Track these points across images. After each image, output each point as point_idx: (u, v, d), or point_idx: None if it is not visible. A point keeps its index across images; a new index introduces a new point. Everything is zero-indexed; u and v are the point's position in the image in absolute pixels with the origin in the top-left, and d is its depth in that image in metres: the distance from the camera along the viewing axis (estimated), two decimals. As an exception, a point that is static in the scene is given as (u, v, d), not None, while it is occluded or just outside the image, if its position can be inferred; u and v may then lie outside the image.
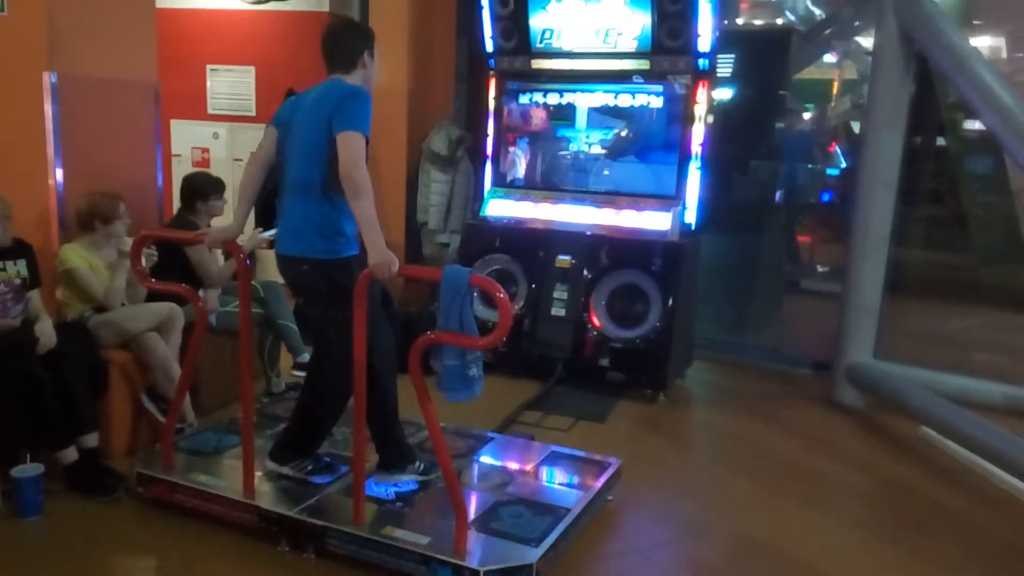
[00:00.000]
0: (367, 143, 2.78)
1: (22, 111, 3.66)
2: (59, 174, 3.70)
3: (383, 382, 3.00)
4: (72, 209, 3.68)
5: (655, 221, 4.72)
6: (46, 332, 3.23)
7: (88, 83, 3.78)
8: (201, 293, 3.80)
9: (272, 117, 3.10)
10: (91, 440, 3.26)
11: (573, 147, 5.14)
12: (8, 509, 3.03)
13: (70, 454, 3.17)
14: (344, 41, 3.01)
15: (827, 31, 8.78)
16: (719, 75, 4.96)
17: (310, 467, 3.10)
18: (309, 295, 3.11)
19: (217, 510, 2.99)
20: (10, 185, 3.42)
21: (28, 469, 3.02)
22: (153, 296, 3.71)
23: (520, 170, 5.30)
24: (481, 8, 5.04)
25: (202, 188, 4.07)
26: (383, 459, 3.13)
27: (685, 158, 4.70)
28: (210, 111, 6.35)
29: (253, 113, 6.19)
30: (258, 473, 3.07)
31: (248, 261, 3.17)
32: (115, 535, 2.98)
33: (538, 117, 5.23)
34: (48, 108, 3.64)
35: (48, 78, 3.61)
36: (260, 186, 3.06)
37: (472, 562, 2.58)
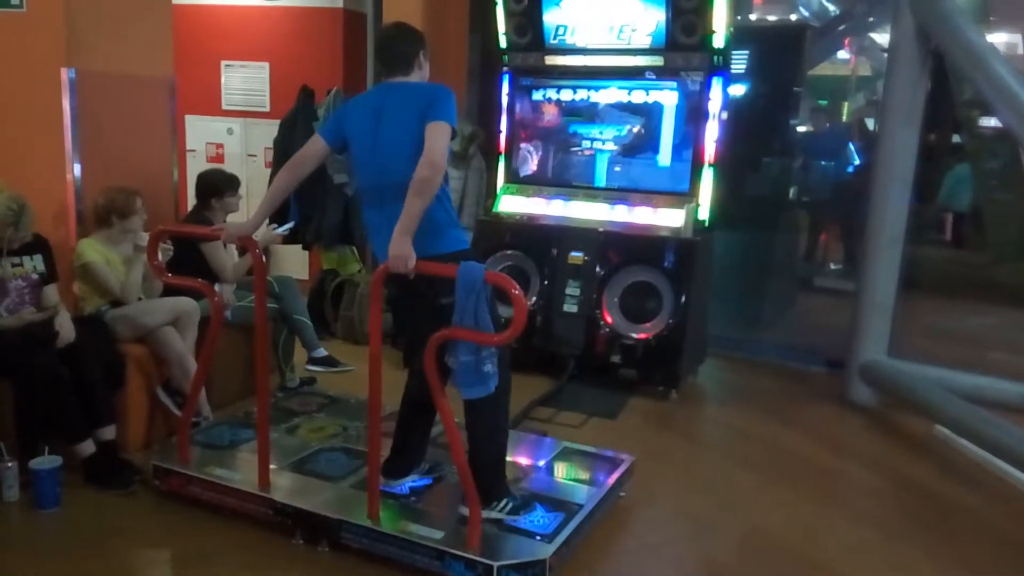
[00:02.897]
0: (453, 135, 2.76)
1: (40, 107, 3.69)
2: (76, 169, 3.74)
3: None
4: (89, 204, 3.71)
5: (668, 218, 4.71)
6: (65, 326, 3.26)
7: (105, 79, 3.82)
8: (216, 288, 3.83)
9: (322, 127, 3.04)
10: (108, 433, 3.29)
11: (586, 143, 5.13)
12: (27, 500, 3.07)
13: (87, 447, 3.21)
14: (401, 43, 2.97)
15: (841, 27, 8.74)
16: (733, 71, 4.93)
17: (509, 506, 2.88)
18: (443, 294, 2.74)
19: (232, 503, 3.02)
20: (28, 180, 3.45)
21: (46, 461, 3.05)
22: (169, 291, 3.74)
23: (532, 166, 5.30)
24: (495, 4, 5.03)
25: (217, 185, 4.10)
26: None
27: (699, 155, 4.69)
28: (224, 107, 6.38)
29: (267, 109, 6.22)
30: (273, 466, 3.10)
31: (263, 257, 3.19)
32: (131, 527, 3.01)
33: (551, 113, 5.22)
34: (66, 104, 3.67)
35: (66, 74, 3.65)
36: (290, 192, 3.04)
37: (486, 557, 2.59)
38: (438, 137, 2.67)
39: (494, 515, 2.83)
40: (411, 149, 2.71)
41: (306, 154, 2.98)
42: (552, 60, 5.05)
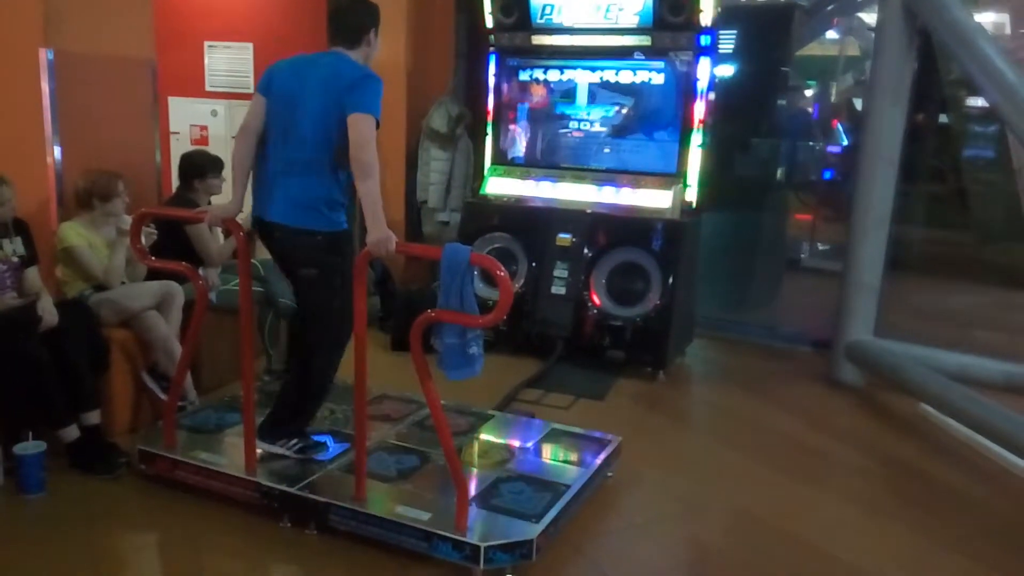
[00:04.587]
0: (377, 126, 2.78)
1: (18, 88, 3.62)
2: (57, 152, 3.69)
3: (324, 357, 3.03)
4: (70, 187, 3.67)
5: (656, 199, 4.70)
6: (48, 310, 3.23)
7: (85, 60, 3.75)
8: (201, 271, 3.80)
9: (258, 85, 3.03)
10: (93, 417, 3.27)
11: (573, 124, 5.11)
12: (11, 486, 3.05)
13: (72, 431, 3.19)
14: (354, 16, 2.98)
15: (829, 7, 8.69)
16: (721, 51, 4.91)
17: (299, 445, 3.09)
18: (306, 266, 2.96)
19: (219, 487, 3.01)
20: (8, 163, 3.40)
21: (30, 446, 3.03)
22: (153, 274, 3.70)
23: (520, 148, 5.28)
24: (481, -17, 4.99)
25: (199, 166, 4.05)
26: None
27: (686, 135, 4.68)
28: (208, 88, 6.30)
29: (251, 90, 6.13)
30: (259, 451, 3.08)
31: (248, 239, 3.15)
32: (117, 512, 3.00)
33: (538, 94, 5.19)
34: (45, 85, 3.61)
35: (44, 55, 3.58)
36: (253, 158, 3.00)
37: (473, 538, 2.60)
38: (360, 131, 2.71)
39: (277, 449, 3.03)
40: (312, 130, 2.81)
41: (254, 114, 2.97)
42: (539, 40, 5.01)
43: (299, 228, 2.87)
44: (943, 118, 8.28)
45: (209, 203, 4.09)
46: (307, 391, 3.08)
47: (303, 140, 2.85)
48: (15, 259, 3.31)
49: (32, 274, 3.38)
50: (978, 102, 7.80)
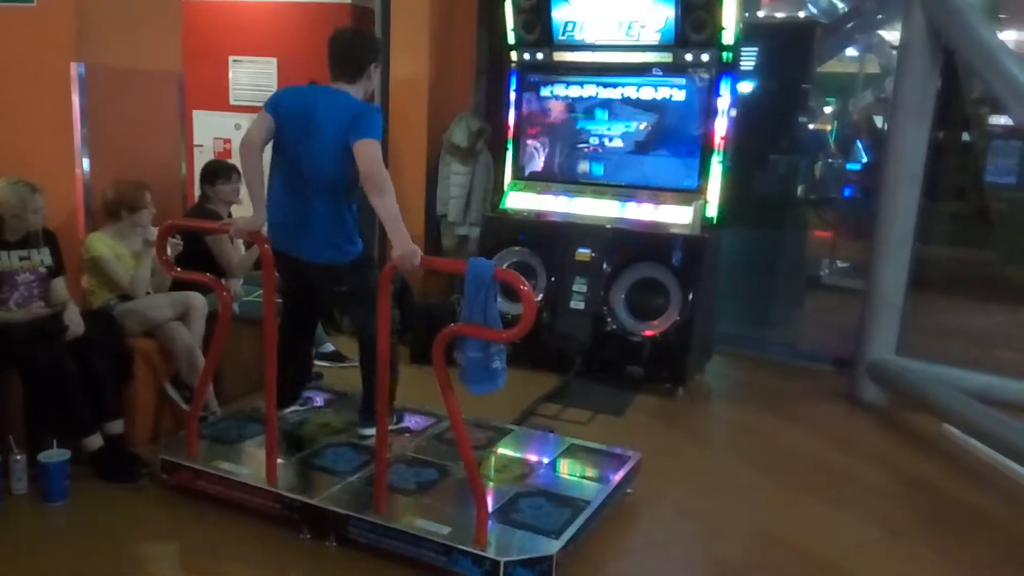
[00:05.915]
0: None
1: (50, 101, 3.70)
2: (86, 163, 3.75)
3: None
4: (98, 198, 3.72)
5: (676, 215, 4.70)
6: (74, 320, 3.27)
7: (115, 73, 3.82)
8: (223, 282, 3.83)
9: (266, 105, 3.16)
10: (116, 427, 3.30)
11: (594, 140, 5.12)
12: (35, 493, 3.07)
13: (96, 440, 3.22)
14: (354, 51, 3.19)
15: (850, 24, 8.70)
16: (742, 68, 4.91)
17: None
18: (338, 284, 3.31)
19: (240, 497, 3.02)
20: (37, 174, 3.45)
21: (54, 455, 3.06)
22: (177, 285, 3.74)
23: (540, 163, 5.29)
24: (503, 0, 5.02)
25: (210, 172, 4.10)
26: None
27: (707, 152, 4.68)
28: (232, 102, 6.37)
29: (275, 104, 6.21)
30: (280, 461, 3.10)
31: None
32: (139, 520, 3.02)
33: (559, 110, 5.21)
34: (75, 98, 3.68)
35: (75, 68, 3.65)
36: (262, 169, 3.14)
37: (492, 553, 2.59)
38: (367, 151, 2.93)
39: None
40: (332, 162, 3.03)
41: (259, 128, 3.12)
42: (560, 56, 5.04)
43: (328, 265, 3.21)
44: (965, 136, 8.24)
45: (230, 214, 4.13)
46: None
47: (318, 173, 3.07)
48: (43, 269, 3.36)
49: (59, 284, 3.43)
50: (1001, 120, 7.74)
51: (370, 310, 3.07)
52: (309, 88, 3.18)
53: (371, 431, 3.24)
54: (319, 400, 3.87)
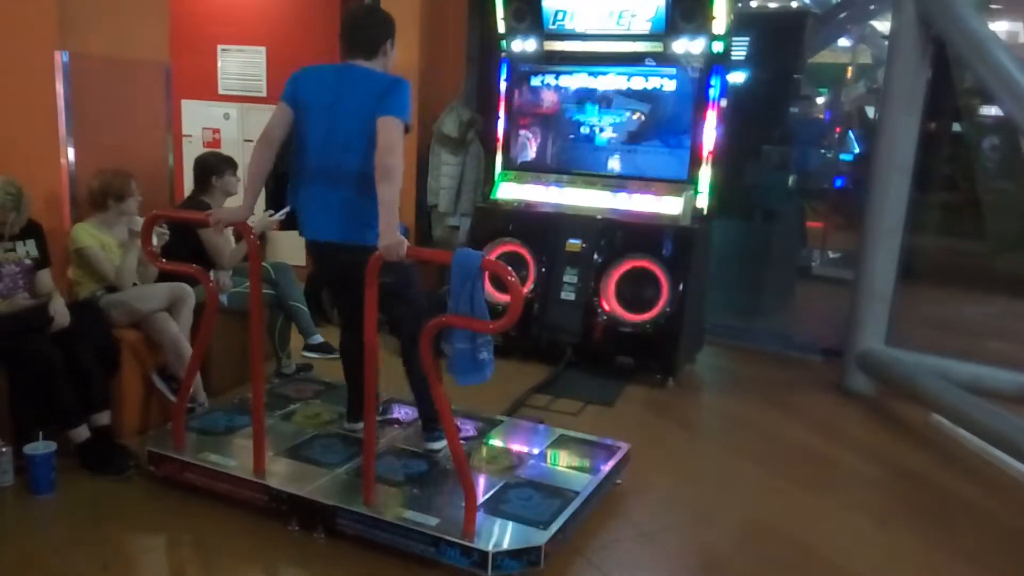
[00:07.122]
0: (407, 130, 2.84)
1: (33, 90, 3.65)
2: (70, 154, 3.70)
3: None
4: (84, 188, 3.68)
5: (666, 206, 4.69)
6: (60, 311, 3.25)
7: (100, 62, 3.77)
8: (213, 274, 3.81)
9: (284, 94, 3.05)
10: (103, 418, 3.28)
11: (584, 130, 5.10)
12: (21, 486, 3.06)
13: (82, 432, 3.20)
14: (370, 28, 3.04)
15: (842, 14, 8.68)
16: (733, 58, 4.90)
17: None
18: (380, 275, 2.93)
19: (227, 489, 3.01)
20: (22, 164, 3.43)
21: (41, 447, 3.04)
22: (164, 276, 3.71)
23: (531, 153, 5.27)
24: (493, -11, 5.00)
25: (215, 165, 4.09)
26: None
27: (697, 142, 4.67)
28: (221, 91, 6.33)
29: (264, 94, 6.16)
30: (268, 453, 3.09)
31: (259, 243, 3.16)
32: (126, 513, 3.00)
33: (550, 100, 5.19)
34: (59, 87, 3.63)
35: (59, 57, 3.61)
36: (271, 167, 3.03)
37: (481, 543, 2.59)
38: (390, 133, 2.77)
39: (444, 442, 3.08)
40: (363, 139, 2.84)
41: (276, 124, 3.01)
42: (551, 46, 5.02)
43: (366, 246, 2.81)
44: (956, 127, 8.25)
45: (224, 204, 4.10)
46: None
47: (350, 151, 2.90)
48: (28, 261, 3.33)
49: (44, 276, 3.40)
50: (992, 111, 7.75)
51: (410, 307, 3.06)
52: (329, 67, 3.06)
53: (441, 444, 3.21)
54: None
